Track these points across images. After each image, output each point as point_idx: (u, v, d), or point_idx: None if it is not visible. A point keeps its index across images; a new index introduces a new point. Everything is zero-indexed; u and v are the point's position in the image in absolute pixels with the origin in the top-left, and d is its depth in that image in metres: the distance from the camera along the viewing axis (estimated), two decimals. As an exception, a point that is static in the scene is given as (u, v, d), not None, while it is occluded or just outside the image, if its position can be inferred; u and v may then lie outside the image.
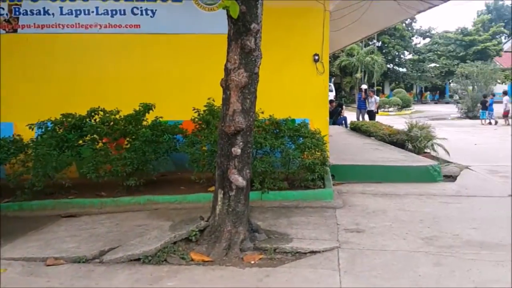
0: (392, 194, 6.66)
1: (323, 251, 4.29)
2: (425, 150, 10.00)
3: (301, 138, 6.36)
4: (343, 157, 8.54)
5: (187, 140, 6.27)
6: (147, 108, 6.37)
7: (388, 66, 44.16)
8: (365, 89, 18.48)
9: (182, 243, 4.36)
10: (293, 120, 6.79)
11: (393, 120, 20.93)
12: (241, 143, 4.39)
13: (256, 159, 6.14)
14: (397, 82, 46.94)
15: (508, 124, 20.24)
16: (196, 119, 6.55)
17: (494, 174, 8.07)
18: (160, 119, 6.47)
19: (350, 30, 11.42)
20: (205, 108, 6.55)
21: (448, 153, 9.64)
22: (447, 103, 42.34)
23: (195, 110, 6.56)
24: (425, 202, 6.18)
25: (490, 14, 52.08)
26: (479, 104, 23.35)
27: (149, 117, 6.47)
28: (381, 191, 6.85)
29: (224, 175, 4.43)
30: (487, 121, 21.49)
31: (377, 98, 19.48)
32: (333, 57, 40.26)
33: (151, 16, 7.20)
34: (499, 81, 30.49)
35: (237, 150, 4.38)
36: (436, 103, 46.85)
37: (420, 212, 5.66)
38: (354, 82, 39.40)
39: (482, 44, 44.22)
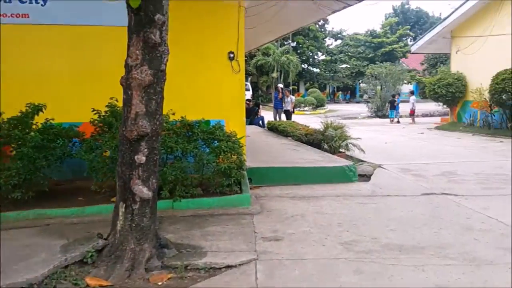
0: (310, 196, 6.52)
1: (239, 264, 3.93)
2: (340, 150, 10.12)
3: (216, 141, 5.96)
4: (261, 159, 8.29)
5: (85, 145, 5.58)
6: (36, 109, 5.56)
7: (303, 66, 45.35)
8: (282, 88, 18.58)
9: (75, 266, 3.76)
10: (208, 122, 6.36)
11: (309, 119, 21.37)
12: (145, 150, 3.89)
13: (166, 165, 5.65)
14: (311, 82, 48.38)
15: (414, 123, 21.53)
16: (96, 121, 5.87)
17: (406, 172, 8.30)
18: (52, 121, 5.68)
19: (266, 28, 11.27)
20: (106, 109, 5.89)
21: (363, 151, 9.81)
22: (357, 102, 44.47)
23: (95, 112, 5.88)
24: (342, 203, 6.09)
25: (397, 17, 55.51)
26: (387, 104, 24.62)
27: (40, 120, 5.66)
28: (299, 193, 6.68)
29: (126, 186, 3.90)
30: (395, 119, 22.71)
31: (293, 97, 19.71)
32: (250, 56, 40.41)
33: (42, 5, 6.35)
34: (405, 81, 32.52)
35: (141, 158, 3.87)
36: (347, 102, 49.04)
37: (338, 214, 5.53)
38: (270, 81, 39.88)
39: (390, 46, 46.98)
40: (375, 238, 4.56)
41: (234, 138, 6.00)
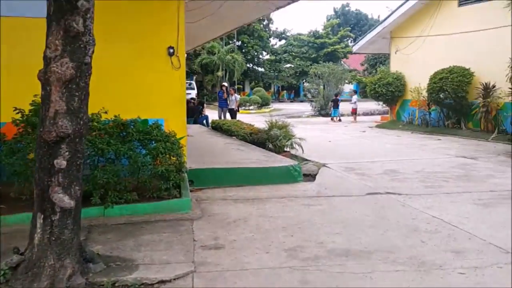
0: (254, 198, 6.25)
1: (174, 279, 3.58)
2: (285, 149, 9.96)
3: (153, 142, 5.52)
4: (204, 159, 7.93)
5: (5, 147, 4.97)
6: None
7: (248, 65, 45.19)
8: (226, 87, 18.27)
9: (-16, 289, 3.24)
10: (146, 121, 5.90)
11: (254, 118, 21.17)
12: (66, 153, 3.43)
13: (97, 168, 5.15)
14: (256, 81, 48.36)
15: (356, 121, 21.97)
16: (19, 122, 5.26)
17: (350, 171, 8.25)
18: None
19: (209, 24, 10.90)
20: (30, 108, 5.30)
21: (308, 150, 9.71)
22: (301, 101, 45.00)
23: (18, 111, 5.27)
24: (287, 205, 5.87)
25: (338, 19, 56.85)
26: (331, 103, 24.97)
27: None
28: (243, 195, 6.40)
29: (44, 194, 3.42)
30: (337, 118, 23.07)
31: (238, 96, 19.47)
32: (195, 54, 39.75)
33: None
34: (347, 81, 33.26)
35: (61, 162, 3.40)
36: (292, 101, 49.52)
37: (283, 217, 5.30)
38: (216, 80, 39.36)
39: (332, 47, 47.92)
40: (321, 243, 4.36)
41: (173, 139, 5.61)
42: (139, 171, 5.40)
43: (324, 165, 8.82)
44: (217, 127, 13.87)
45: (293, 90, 53.09)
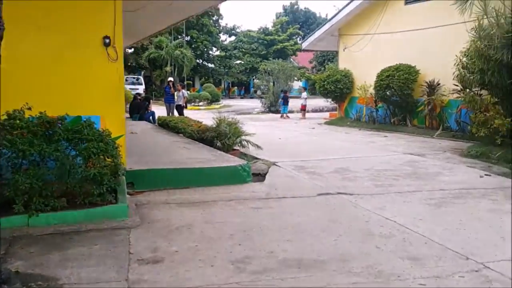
0: (200, 202, 5.82)
1: (104, 302, 3.09)
2: (234, 147, 9.58)
3: (84, 142, 4.94)
4: (147, 159, 7.38)
5: None
6: None
7: (198, 61, 44.41)
8: (173, 82, 17.63)
9: None
10: (78, 118, 5.28)
11: (203, 114, 20.60)
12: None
13: (19, 172, 4.52)
14: (206, 77, 47.63)
15: (305, 118, 21.96)
16: None
17: (301, 170, 7.98)
18: None
19: (153, 15, 10.30)
20: None
21: (260, 147, 9.40)
22: (252, 98, 44.81)
23: None
24: (235, 209, 5.49)
25: (287, 17, 57.12)
26: (280, 99, 24.86)
27: None
28: (188, 198, 5.95)
29: None
30: (285, 115, 22.99)
31: (185, 92, 18.84)
32: (142, 48, 38.52)
33: None
34: (296, 78, 33.33)
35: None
36: (242, 97, 49.25)
37: (230, 223, 4.91)
38: (164, 75, 38.25)
39: (281, 44, 48.03)
40: (271, 252, 4.00)
41: (107, 138, 5.04)
42: (68, 174, 4.81)
43: (274, 163, 8.51)
44: (163, 124, 13.25)
45: (244, 86, 52.86)
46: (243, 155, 9.28)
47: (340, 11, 18.07)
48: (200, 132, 10.35)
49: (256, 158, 9.08)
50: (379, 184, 6.90)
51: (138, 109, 16.35)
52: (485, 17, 9.19)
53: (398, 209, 5.50)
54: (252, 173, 7.36)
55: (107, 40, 6.24)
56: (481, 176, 7.55)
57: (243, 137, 9.72)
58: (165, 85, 18.66)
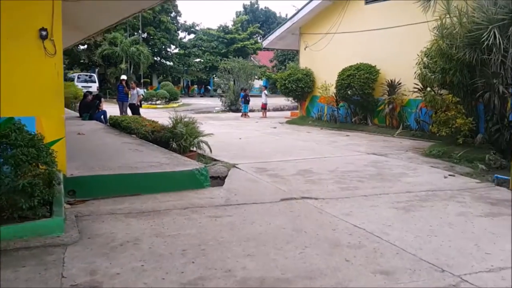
0: (151, 211, 5.24)
1: None
2: (191, 149, 9.00)
3: (10, 148, 4.26)
4: (93, 164, 6.70)
5: None
6: None
7: (156, 58, 43.21)
8: (125, 80, 16.79)
9: None
10: (9, 120, 4.59)
11: (161, 113, 19.79)
12: None
13: None
14: (164, 75, 46.47)
15: (266, 117, 21.61)
16: None
17: (262, 172, 7.53)
18: None
19: (101, 7, 9.55)
20: None
21: (210, 149, 8.88)
22: (212, 96, 44.14)
23: None
24: (190, 219, 4.95)
25: (247, 15, 56.74)
26: (241, 98, 24.42)
27: None
28: (137, 208, 5.35)
29: None
30: (248, 114, 22.57)
31: (140, 90, 17.98)
32: (95, 45, 37.07)
33: None
34: (256, 76, 33.00)
35: None
36: (202, 96, 48.50)
37: (184, 236, 4.38)
38: (119, 73, 36.87)
39: (242, 43, 47.55)
40: (229, 271, 3.51)
41: (40, 143, 4.39)
42: (-7, 185, 4.13)
43: (234, 165, 8.03)
44: (115, 124, 12.42)
45: (203, 85, 52.05)
46: (201, 157, 8.75)
47: (301, 9, 17.78)
48: (154, 132, 9.70)
49: (215, 160, 8.57)
50: (344, 187, 6.55)
51: (88, 108, 15.41)
52: (448, 16, 9.08)
53: (366, 214, 5.14)
54: (210, 176, 6.87)
55: (44, 33, 5.58)
56: (445, 177, 7.37)
57: (201, 138, 9.18)
58: (119, 83, 17.74)
